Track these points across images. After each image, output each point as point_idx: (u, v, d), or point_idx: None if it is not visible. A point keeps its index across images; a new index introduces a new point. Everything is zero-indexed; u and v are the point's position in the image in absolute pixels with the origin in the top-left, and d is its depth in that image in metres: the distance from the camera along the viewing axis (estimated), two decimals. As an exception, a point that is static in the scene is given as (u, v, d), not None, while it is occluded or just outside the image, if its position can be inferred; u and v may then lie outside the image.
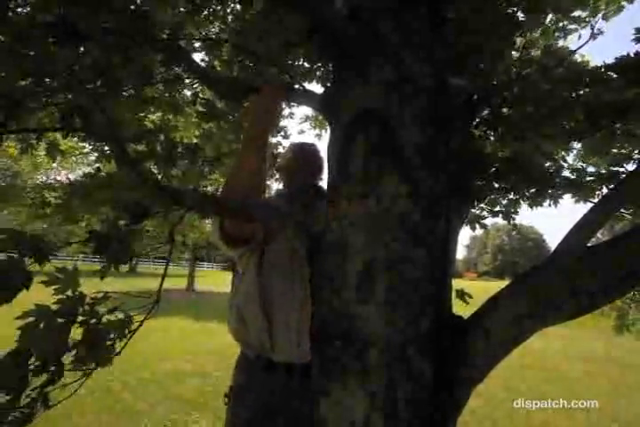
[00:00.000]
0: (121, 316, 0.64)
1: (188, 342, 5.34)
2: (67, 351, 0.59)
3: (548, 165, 1.42)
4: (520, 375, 4.49)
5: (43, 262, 0.59)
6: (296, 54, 1.55)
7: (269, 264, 0.99)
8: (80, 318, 0.61)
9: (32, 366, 0.57)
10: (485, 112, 1.23)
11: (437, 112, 0.75)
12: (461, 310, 0.72)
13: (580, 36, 1.46)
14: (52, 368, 0.59)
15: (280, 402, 0.93)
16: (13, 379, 0.55)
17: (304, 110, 7.13)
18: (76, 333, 0.61)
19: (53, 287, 0.59)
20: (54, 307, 0.59)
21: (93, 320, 0.61)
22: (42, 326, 0.57)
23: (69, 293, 0.60)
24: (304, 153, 1.20)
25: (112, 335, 0.63)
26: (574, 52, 1.33)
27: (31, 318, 0.57)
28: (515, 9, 1.23)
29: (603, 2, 1.42)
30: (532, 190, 1.34)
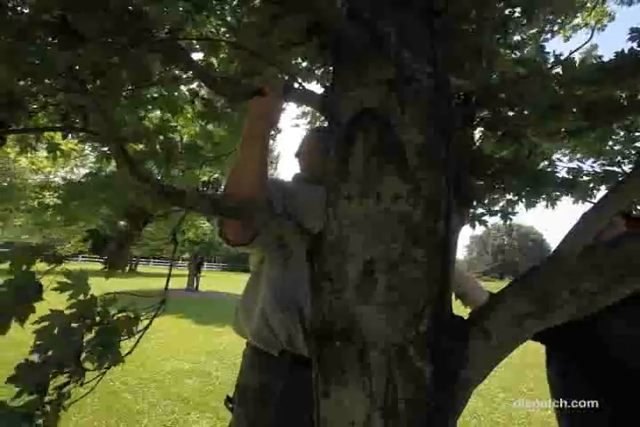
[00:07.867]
0: (130, 315, 0.65)
1: (188, 342, 5.34)
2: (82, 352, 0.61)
3: (543, 164, 1.42)
4: (520, 375, 4.49)
5: (54, 268, 0.60)
6: (296, 54, 1.54)
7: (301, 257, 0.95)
8: (93, 320, 0.62)
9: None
10: (484, 112, 1.23)
11: (437, 112, 0.74)
12: (461, 310, 0.72)
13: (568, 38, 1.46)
14: (71, 369, 0.60)
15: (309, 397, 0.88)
16: (34, 381, 0.56)
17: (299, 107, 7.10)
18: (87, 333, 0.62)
19: (67, 293, 0.61)
20: (68, 312, 0.61)
21: (106, 321, 0.62)
22: (57, 329, 0.58)
23: (82, 297, 0.61)
24: (324, 138, 1.16)
25: (123, 335, 0.64)
26: (571, 53, 1.34)
27: (46, 323, 0.59)
28: (512, 10, 1.23)
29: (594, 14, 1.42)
30: (529, 190, 1.34)
